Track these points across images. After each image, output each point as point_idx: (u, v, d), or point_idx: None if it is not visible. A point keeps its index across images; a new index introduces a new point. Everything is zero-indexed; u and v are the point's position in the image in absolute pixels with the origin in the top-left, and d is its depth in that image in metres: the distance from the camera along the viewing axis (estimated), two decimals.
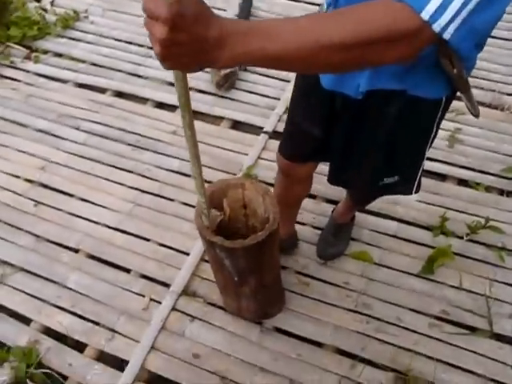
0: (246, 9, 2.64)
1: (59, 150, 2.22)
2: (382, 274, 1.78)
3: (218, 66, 0.60)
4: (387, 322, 1.65)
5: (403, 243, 1.86)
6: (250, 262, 1.26)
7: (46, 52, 2.65)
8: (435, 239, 1.85)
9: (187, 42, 0.55)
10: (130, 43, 2.65)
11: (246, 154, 2.16)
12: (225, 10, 2.72)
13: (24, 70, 2.55)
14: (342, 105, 1.04)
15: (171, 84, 2.47)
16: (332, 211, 1.85)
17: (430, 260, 1.77)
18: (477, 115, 1.04)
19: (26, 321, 1.75)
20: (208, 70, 2.42)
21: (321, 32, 0.61)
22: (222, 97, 2.39)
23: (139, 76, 2.51)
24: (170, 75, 2.46)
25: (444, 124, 1.17)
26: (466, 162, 2.11)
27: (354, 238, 1.87)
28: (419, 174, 1.22)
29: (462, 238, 1.86)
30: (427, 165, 2.02)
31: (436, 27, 0.61)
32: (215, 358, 1.60)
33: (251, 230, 1.40)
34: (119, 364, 1.63)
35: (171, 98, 2.36)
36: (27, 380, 1.57)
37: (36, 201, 2.06)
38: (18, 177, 2.14)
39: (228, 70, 2.30)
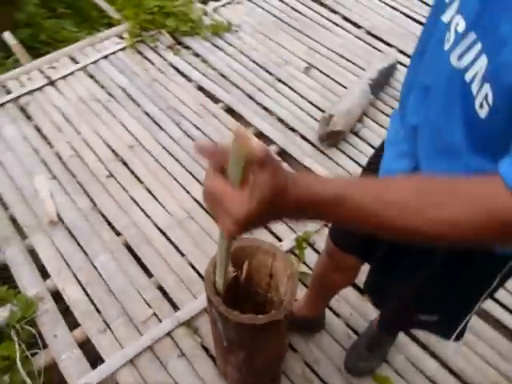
0: (384, 76, 2.52)
1: (152, 138, 2.30)
2: None
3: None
4: None
5: None
6: (242, 338, 1.14)
7: (188, 48, 2.80)
8: None
9: (261, 223, 0.54)
10: (262, 68, 2.69)
11: None
12: (363, 69, 2.64)
13: (162, 57, 2.72)
14: None
15: (281, 120, 2.44)
16: (375, 319, 1.63)
17: None
18: None
19: (44, 275, 1.81)
20: (317, 118, 2.35)
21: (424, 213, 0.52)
22: (321, 151, 2.29)
23: (254, 101, 2.52)
24: (282, 112, 2.47)
25: None
26: None
27: (387, 360, 1.62)
28: (464, 322, 1.03)
29: None
30: (497, 311, 1.71)
31: None
32: None
33: (268, 302, 1.29)
34: (95, 359, 1.60)
35: (273, 132, 2.33)
36: (12, 329, 1.60)
37: (110, 173, 2.15)
38: (108, 146, 2.27)
39: (336, 128, 2.20)
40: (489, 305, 1.74)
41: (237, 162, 0.50)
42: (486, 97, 0.57)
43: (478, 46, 0.59)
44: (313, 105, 2.51)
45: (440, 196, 0.52)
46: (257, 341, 1.15)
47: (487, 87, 0.56)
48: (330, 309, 1.73)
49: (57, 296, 1.75)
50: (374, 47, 2.84)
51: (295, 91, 2.58)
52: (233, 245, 0.74)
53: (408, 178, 0.57)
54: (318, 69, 2.71)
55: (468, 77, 0.61)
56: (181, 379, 1.54)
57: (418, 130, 0.78)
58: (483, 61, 0.57)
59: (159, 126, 2.37)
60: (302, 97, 2.55)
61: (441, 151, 0.72)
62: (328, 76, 2.67)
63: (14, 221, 1.98)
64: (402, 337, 1.66)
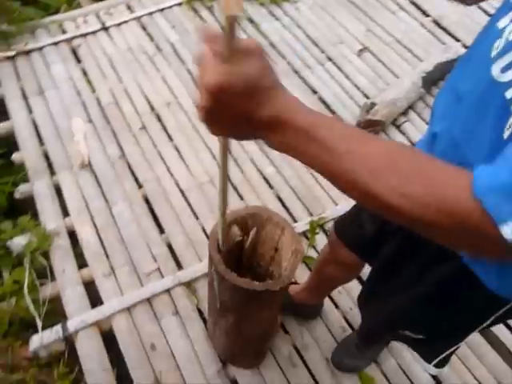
0: (440, 71, 2.36)
1: (190, 97, 2.30)
2: None
3: (267, 143, 0.54)
4: None
5: None
6: (235, 302, 1.14)
7: (243, 13, 2.75)
8: None
9: (230, 115, 0.51)
10: (314, 43, 2.60)
11: (336, 204, 1.97)
12: (420, 60, 2.49)
13: (215, 18, 2.68)
14: (396, 227, 0.85)
15: (322, 100, 2.37)
16: None
17: None
18: None
19: (64, 213, 1.89)
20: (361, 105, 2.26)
21: (380, 175, 0.47)
22: None
23: (299, 76, 2.45)
24: (324, 92, 2.38)
25: None
26: None
27: (377, 360, 1.59)
28: (449, 351, 0.99)
29: None
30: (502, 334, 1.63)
31: None
32: (165, 362, 1.53)
33: (269, 276, 1.29)
34: (95, 300, 1.67)
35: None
36: (25, 258, 1.70)
37: (143, 126, 2.18)
38: (147, 99, 2.29)
39: (376, 118, 2.10)
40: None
41: (222, 28, 0.48)
42: None
43: None
44: (359, 89, 2.41)
45: (410, 170, 0.47)
46: (248, 308, 1.15)
47: None
48: (331, 299, 1.70)
49: (72, 234, 1.83)
50: (437, 38, 2.67)
51: (343, 73, 2.48)
52: (227, 156, 0.73)
53: (388, 142, 0.51)
54: (372, 52, 2.58)
55: (510, 93, 0.54)
56: (171, 336, 1.58)
57: (437, 138, 0.72)
58: None
59: None
60: (349, 79, 2.45)
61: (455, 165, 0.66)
62: (381, 61, 2.54)
63: (46, 157, 2.06)
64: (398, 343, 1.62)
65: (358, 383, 1.55)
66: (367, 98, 2.33)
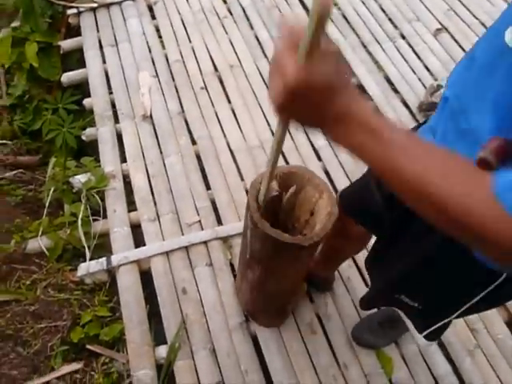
0: None
1: (253, 62, 2.33)
2: None
3: (325, 134, 0.58)
4: None
5: None
6: (263, 253, 1.18)
7: None
8: None
9: (303, 109, 0.54)
10: (389, 18, 2.50)
11: None
12: None
13: None
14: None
15: (387, 78, 2.29)
16: None
17: None
18: None
19: (124, 159, 2.02)
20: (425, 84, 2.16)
21: (432, 180, 0.51)
22: (416, 120, 2.13)
23: (367, 51, 2.38)
24: (391, 70, 2.28)
25: None
26: None
27: (397, 341, 1.59)
28: (440, 324, 1.01)
29: None
30: None
31: None
32: (193, 306, 1.63)
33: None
34: (139, 242, 1.79)
35: (374, 88, 2.22)
36: (84, 194, 1.85)
37: (205, 85, 2.25)
38: (212, 60, 2.34)
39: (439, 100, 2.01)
40: None
41: (310, 26, 0.49)
42: None
43: None
44: (428, 70, 2.30)
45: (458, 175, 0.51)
46: (276, 261, 1.18)
47: None
48: (361, 275, 1.70)
49: (127, 180, 1.96)
50: None
51: (415, 52, 2.38)
52: (285, 135, 0.74)
53: (436, 147, 0.55)
54: (449, 33, 2.44)
55: None
56: (202, 283, 1.68)
57: (448, 102, 0.72)
58: None
59: (264, 52, 2.37)
60: (420, 59, 2.35)
61: (460, 132, 0.65)
62: (458, 43, 2.40)
63: (113, 105, 2.20)
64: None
65: (375, 360, 1.56)
66: (436, 80, 2.22)
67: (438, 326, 1.01)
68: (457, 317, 0.96)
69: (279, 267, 1.23)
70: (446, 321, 1.00)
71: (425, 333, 1.07)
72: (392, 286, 1.05)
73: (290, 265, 1.22)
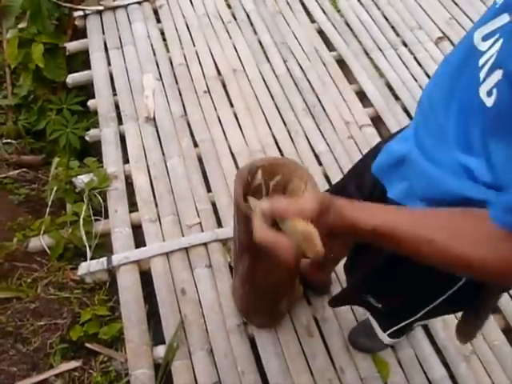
0: None
1: (256, 67, 2.35)
2: None
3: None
4: None
5: None
6: (248, 239, 1.17)
7: None
8: None
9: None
10: (391, 26, 2.53)
11: None
12: None
13: None
14: (379, 195, 0.88)
15: (389, 85, 2.32)
16: None
17: None
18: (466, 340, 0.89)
19: (126, 160, 2.05)
20: None
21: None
22: None
23: (370, 58, 2.40)
24: (392, 77, 2.31)
25: None
26: None
27: (393, 346, 1.60)
28: (402, 324, 1.07)
29: None
30: None
31: None
32: (192, 307, 1.65)
33: None
34: (139, 242, 1.81)
35: (375, 94, 2.24)
36: (86, 194, 1.88)
37: (208, 89, 2.27)
38: (215, 64, 2.37)
39: None
40: None
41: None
42: (496, 84, 0.52)
43: (504, 31, 0.53)
44: (429, 78, 2.31)
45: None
46: (261, 248, 1.19)
47: (499, 73, 0.51)
48: None
49: (128, 179, 1.98)
50: None
51: (416, 60, 2.40)
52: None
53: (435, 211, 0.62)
54: (451, 42, 2.47)
55: (481, 61, 0.56)
56: (201, 285, 1.69)
57: (421, 103, 0.74)
58: (498, 45, 0.52)
59: (267, 57, 2.40)
60: (422, 67, 2.37)
61: (432, 132, 0.68)
62: None
63: (117, 106, 2.23)
64: (420, 333, 1.61)
65: (371, 364, 1.57)
66: None
67: (399, 326, 1.06)
68: (419, 319, 1.00)
69: (265, 254, 1.22)
70: (407, 322, 1.04)
71: (388, 332, 1.13)
72: (358, 286, 1.09)
73: (274, 263, 1.21)
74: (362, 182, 1.02)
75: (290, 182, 1.20)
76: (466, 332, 0.96)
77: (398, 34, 2.51)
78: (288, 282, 1.44)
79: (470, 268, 0.55)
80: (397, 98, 2.27)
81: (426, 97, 0.74)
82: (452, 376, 1.56)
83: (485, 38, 0.57)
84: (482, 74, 0.55)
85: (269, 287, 1.38)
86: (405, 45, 2.47)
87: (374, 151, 0.99)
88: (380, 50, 2.43)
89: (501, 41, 0.53)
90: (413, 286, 0.91)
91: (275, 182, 1.19)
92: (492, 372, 1.56)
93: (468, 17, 2.57)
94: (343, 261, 1.56)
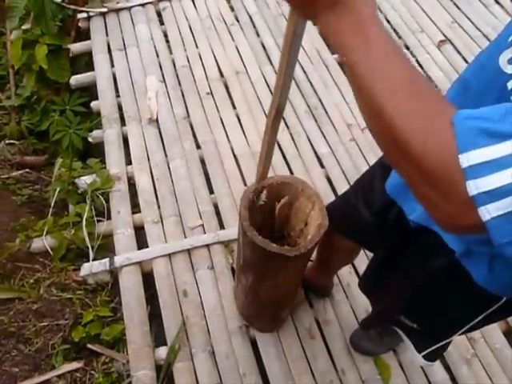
0: None
1: (259, 69, 2.36)
2: None
3: (315, 22, 0.53)
4: None
5: None
6: (253, 261, 1.21)
7: None
8: None
9: None
10: (393, 29, 2.53)
11: None
12: None
13: None
14: (395, 217, 0.87)
15: None
16: None
17: None
18: None
19: (129, 161, 2.05)
20: None
21: (391, 96, 0.46)
22: None
23: None
24: None
25: None
26: None
27: (395, 349, 1.60)
28: (439, 345, 1.01)
29: None
30: None
31: (471, 187, 0.41)
32: (194, 309, 1.65)
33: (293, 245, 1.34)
34: (142, 243, 1.82)
35: None
36: (89, 195, 1.88)
37: (211, 91, 2.28)
38: (218, 66, 2.38)
39: None
40: None
41: None
42: None
43: None
44: (432, 81, 2.33)
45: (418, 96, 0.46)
46: (265, 269, 1.21)
47: None
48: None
49: (131, 181, 1.99)
50: None
51: (418, 62, 2.41)
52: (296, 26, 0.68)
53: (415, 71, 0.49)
54: (453, 45, 2.47)
55: (511, 85, 0.55)
56: (203, 286, 1.70)
57: None
58: None
59: (270, 59, 2.41)
60: (424, 70, 2.38)
61: None
62: (461, 56, 2.43)
63: (120, 108, 2.24)
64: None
65: (372, 367, 1.57)
66: (439, 91, 2.25)
67: (437, 346, 1.03)
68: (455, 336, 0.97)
69: (269, 276, 1.25)
70: (445, 342, 1.01)
71: (424, 353, 1.07)
72: (392, 308, 1.06)
73: (280, 274, 1.23)
74: (373, 199, 1.00)
75: (297, 200, 1.21)
76: None
77: (400, 37, 2.52)
78: (291, 295, 1.44)
79: (402, 147, 0.45)
80: None
81: None
82: (453, 378, 1.56)
83: (511, 61, 0.56)
84: None
85: (271, 302, 1.39)
86: (407, 48, 2.48)
87: (382, 162, 0.98)
88: None
89: None
90: (453, 306, 0.89)
91: (281, 206, 1.21)
92: (493, 375, 1.56)
93: (470, 20, 2.57)
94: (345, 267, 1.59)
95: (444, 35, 2.51)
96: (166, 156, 2.06)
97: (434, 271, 0.86)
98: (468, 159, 0.41)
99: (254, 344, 1.60)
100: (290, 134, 2.13)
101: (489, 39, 2.48)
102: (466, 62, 2.40)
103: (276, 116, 0.92)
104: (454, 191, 0.43)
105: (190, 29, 2.53)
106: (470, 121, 0.42)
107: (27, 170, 2.23)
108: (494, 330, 1.64)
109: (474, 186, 0.41)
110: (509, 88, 0.55)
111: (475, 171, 0.41)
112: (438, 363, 1.57)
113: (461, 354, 1.60)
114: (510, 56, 0.57)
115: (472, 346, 1.62)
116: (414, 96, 0.46)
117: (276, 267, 1.19)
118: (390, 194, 0.90)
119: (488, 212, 0.41)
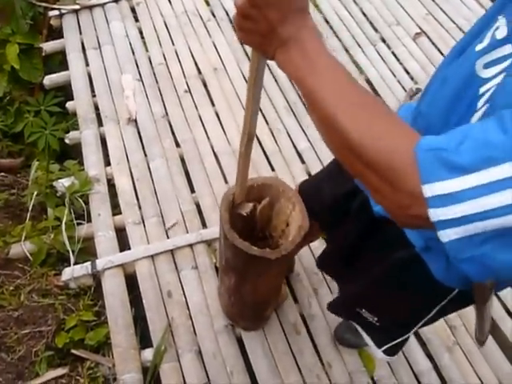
0: None
1: (237, 65, 2.35)
2: None
3: (273, 59, 0.59)
4: None
5: None
6: (235, 263, 1.21)
7: None
8: None
9: (256, 21, 0.55)
10: (369, 22, 2.54)
11: None
12: None
13: None
14: (360, 205, 0.89)
15: (368, 81, 2.34)
16: None
17: None
18: (480, 342, 0.85)
19: (108, 162, 2.02)
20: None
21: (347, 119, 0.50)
22: None
23: (348, 54, 2.41)
24: (372, 73, 2.32)
25: None
26: None
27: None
28: (397, 340, 1.05)
29: None
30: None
31: (433, 215, 0.45)
32: (179, 309, 1.64)
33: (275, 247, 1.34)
34: (124, 245, 1.80)
35: None
36: (68, 198, 1.85)
37: (189, 89, 2.26)
38: (195, 63, 2.36)
39: None
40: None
41: None
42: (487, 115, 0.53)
43: (507, 62, 0.54)
44: (408, 74, 2.36)
45: (377, 116, 0.50)
46: (247, 271, 1.22)
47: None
48: None
49: (111, 183, 1.96)
50: None
51: (395, 55, 2.43)
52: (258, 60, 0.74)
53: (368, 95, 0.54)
54: (429, 37, 2.50)
55: (482, 89, 0.57)
56: (187, 287, 1.69)
57: (419, 116, 0.75)
58: (500, 78, 0.53)
59: (247, 56, 2.39)
60: (400, 63, 2.40)
61: None
62: (437, 48, 2.46)
63: (96, 108, 2.20)
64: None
65: (358, 359, 1.60)
66: (416, 83, 2.28)
67: (397, 341, 1.05)
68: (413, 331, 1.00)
69: (252, 277, 1.26)
70: (404, 337, 1.03)
71: (383, 348, 1.10)
72: (354, 299, 1.08)
73: (262, 275, 1.24)
74: (343, 183, 1.02)
75: (278, 201, 1.22)
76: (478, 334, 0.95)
77: (376, 30, 2.53)
78: (274, 294, 1.45)
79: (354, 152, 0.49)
80: (376, 93, 2.29)
81: (424, 110, 0.74)
82: (436, 367, 1.59)
83: (487, 67, 0.57)
84: (479, 103, 0.56)
85: (255, 302, 1.40)
86: (383, 41, 2.49)
87: None
88: (359, 46, 2.45)
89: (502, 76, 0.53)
90: (412, 299, 0.91)
91: (262, 207, 1.21)
92: (474, 362, 1.60)
93: (444, 12, 2.61)
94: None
95: (419, 27, 2.54)
96: (145, 156, 2.03)
97: (394, 264, 0.88)
98: (431, 190, 0.44)
99: (240, 342, 1.61)
100: (270, 130, 2.13)
101: (463, 31, 2.51)
102: (442, 54, 2.43)
103: (248, 142, 0.94)
104: (414, 205, 0.46)
105: (166, 25, 2.50)
106: (431, 152, 0.45)
107: (3, 173, 2.17)
108: (474, 317, 1.68)
109: (435, 214, 0.45)
110: (480, 93, 0.57)
111: (437, 201, 0.44)
112: (421, 352, 1.61)
113: (442, 342, 1.63)
114: (486, 61, 0.58)
115: (453, 334, 1.66)
116: (374, 119, 0.49)
117: (258, 269, 1.19)
118: (357, 183, 0.92)
119: (447, 235, 0.45)
